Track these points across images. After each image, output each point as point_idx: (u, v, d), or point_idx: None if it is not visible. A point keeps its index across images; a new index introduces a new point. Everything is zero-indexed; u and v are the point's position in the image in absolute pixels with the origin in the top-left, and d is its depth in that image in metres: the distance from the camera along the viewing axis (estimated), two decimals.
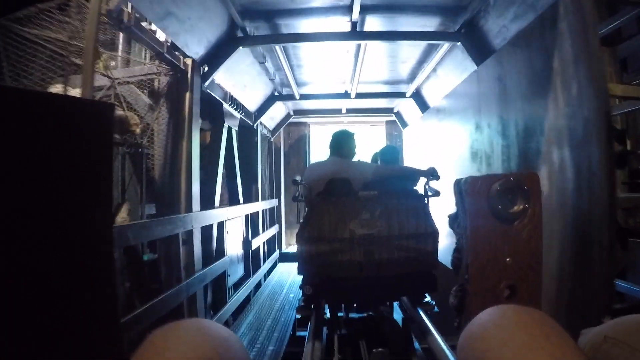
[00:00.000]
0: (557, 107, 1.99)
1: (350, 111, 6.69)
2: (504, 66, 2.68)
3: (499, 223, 1.17)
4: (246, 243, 4.57)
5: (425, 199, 2.18)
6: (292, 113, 6.66)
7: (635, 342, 0.52)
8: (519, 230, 1.17)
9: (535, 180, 1.23)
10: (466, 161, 3.40)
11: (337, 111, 6.64)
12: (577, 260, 1.73)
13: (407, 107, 6.11)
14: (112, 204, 1.60)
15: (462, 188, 1.25)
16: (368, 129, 8.15)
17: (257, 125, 5.46)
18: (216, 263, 3.43)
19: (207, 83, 3.31)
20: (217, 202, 3.81)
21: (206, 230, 3.43)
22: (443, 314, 2.26)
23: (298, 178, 2.62)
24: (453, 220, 1.37)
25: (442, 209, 2.04)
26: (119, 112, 2.58)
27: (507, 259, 1.13)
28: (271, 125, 6.57)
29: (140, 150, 2.81)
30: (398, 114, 6.67)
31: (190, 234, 2.96)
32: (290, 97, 5.40)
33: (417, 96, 5.38)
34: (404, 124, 6.65)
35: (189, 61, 3.06)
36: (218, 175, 3.81)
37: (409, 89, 5.28)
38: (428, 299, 2.35)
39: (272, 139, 6.75)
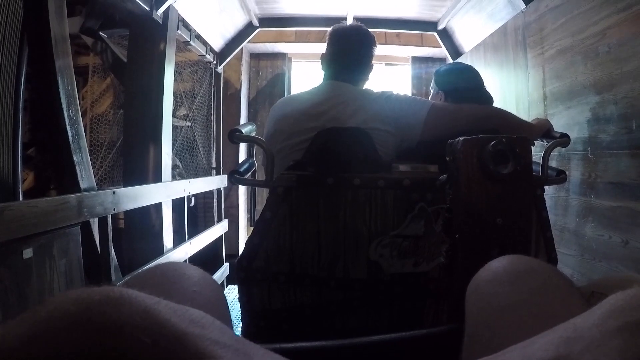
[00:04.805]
0: None
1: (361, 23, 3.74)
2: None
3: (491, 184, 1.12)
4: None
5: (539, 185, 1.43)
6: (256, 23, 3.68)
7: None
8: (510, 191, 1.14)
9: (526, 143, 1.16)
10: None
11: (337, 20, 3.68)
12: None
13: (469, 18, 3.20)
14: None
15: (456, 149, 1.15)
16: (382, 69, 5.21)
17: (165, 14, 2.49)
18: None
19: None
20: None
21: None
22: None
23: (249, 129, 1.47)
24: (444, 184, 1.24)
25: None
26: None
27: (498, 220, 1.11)
28: (216, 41, 3.58)
29: None
30: (445, 33, 3.74)
31: None
32: None
33: None
34: (457, 52, 3.74)
35: None
36: None
37: None
38: None
39: (218, 69, 3.77)
